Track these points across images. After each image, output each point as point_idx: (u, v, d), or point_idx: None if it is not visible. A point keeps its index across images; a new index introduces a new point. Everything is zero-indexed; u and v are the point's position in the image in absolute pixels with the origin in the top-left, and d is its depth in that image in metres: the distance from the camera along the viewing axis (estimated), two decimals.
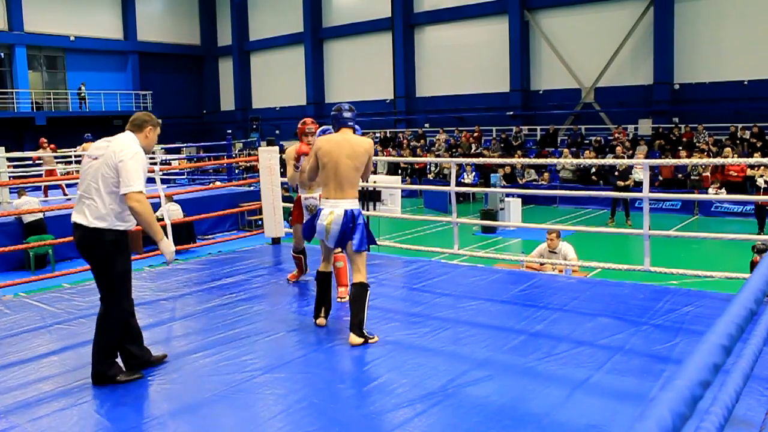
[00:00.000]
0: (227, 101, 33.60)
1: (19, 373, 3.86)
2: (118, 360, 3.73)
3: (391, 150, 23.24)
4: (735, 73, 18.34)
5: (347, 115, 4.44)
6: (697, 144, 17.19)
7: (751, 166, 13.91)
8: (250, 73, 32.32)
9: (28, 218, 10.86)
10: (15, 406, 3.42)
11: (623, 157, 15.37)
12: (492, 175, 17.51)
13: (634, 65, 20.19)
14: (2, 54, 27.35)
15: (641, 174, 5.93)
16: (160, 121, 3.93)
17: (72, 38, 28.58)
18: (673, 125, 18.95)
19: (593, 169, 16.59)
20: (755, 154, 14.97)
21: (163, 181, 8.57)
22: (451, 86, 24.30)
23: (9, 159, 14.49)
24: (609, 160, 8.55)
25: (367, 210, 8.78)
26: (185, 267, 6.82)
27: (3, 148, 13.53)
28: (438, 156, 20.70)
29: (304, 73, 29.01)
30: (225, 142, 19.68)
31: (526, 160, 8.16)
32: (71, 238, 3.91)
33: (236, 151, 25.06)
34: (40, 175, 14.58)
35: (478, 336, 4.28)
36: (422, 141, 23.16)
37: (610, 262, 6.18)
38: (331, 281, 4.68)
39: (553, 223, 13.16)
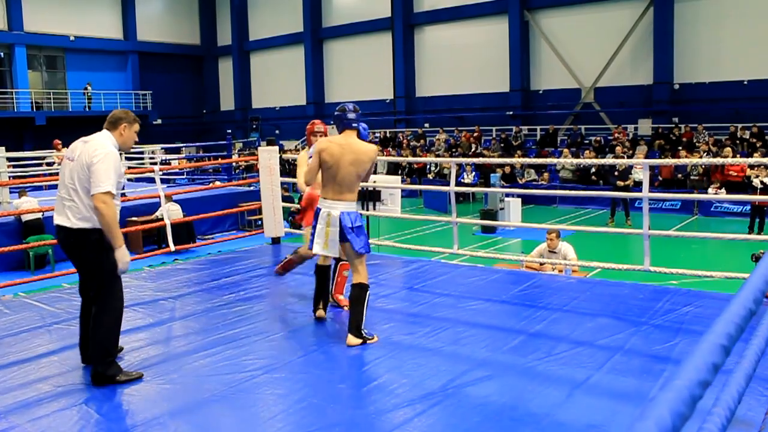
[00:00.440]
0: (227, 101, 33.60)
1: (19, 373, 3.86)
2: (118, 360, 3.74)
3: (391, 150, 23.24)
4: (735, 73, 18.34)
5: (351, 116, 4.32)
6: (696, 144, 17.19)
7: (751, 166, 13.90)
8: (250, 73, 32.31)
9: (26, 218, 10.86)
10: (15, 406, 3.42)
11: (623, 157, 15.36)
12: (492, 175, 17.51)
13: (634, 65, 20.19)
14: (2, 54, 27.35)
15: (641, 174, 5.93)
16: (137, 118, 3.85)
17: (72, 38, 28.57)
18: (673, 125, 18.96)
19: (593, 169, 16.59)
20: (755, 154, 14.97)
21: (163, 181, 8.58)
22: (450, 86, 24.30)
23: (9, 159, 14.49)
24: (609, 160, 8.56)
25: (367, 210, 8.78)
26: (185, 267, 6.82)
27: (3, 148, 13.53)
28: (438, 156, 20.70)
29: (304, 73, 29.01)
30: (225, 142, 19.68)
31: (526, 160, 8.17)
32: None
33: (236, 151, 25.07)
34: (39, 175, 14.59)
35: (477, 336, 4.28)
36: (422, 141, 23.16)
37: (609, 262, 6.18)
38: (329, 275, 4.71)
39: (553, 223, 13.16)
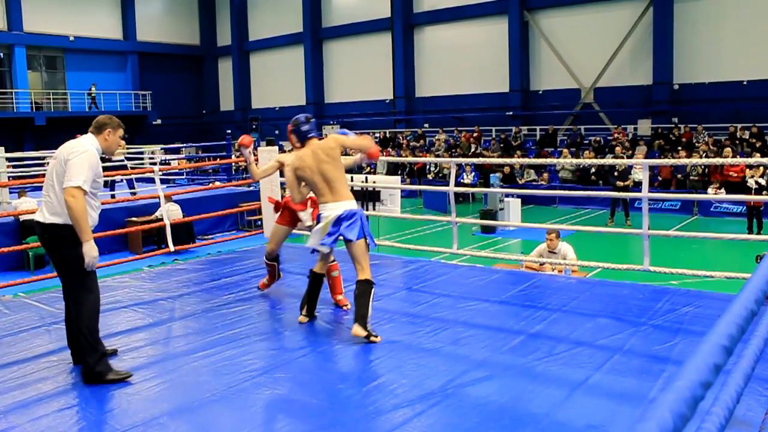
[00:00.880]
0: (227, 101, 33.60)
1: (19, 373, 3.86)
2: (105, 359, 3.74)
3: (390, 150, 23.24)
4: (734, 74, 18.35)
5: (306, 127, 4.51)
6: (696, 144, 17.20)
7: (750, 166, 13.91)
8: (250, 73, 32.31)
9: (26, 218, 10.86)
10: (15, 406, 3.41)
11: (623, 158, 15.37)
12: (491, 175, 17.52)
13: (634, 65, 20.20)
14: (2, 54, 27.34)
15: (641, 174, 5.93)
16: (121, 123, 3.90)
17: (71, 38, 28.57)
18: (673, 125, 18.97)
19: (593, 170, 16.60)
20: (755, 154, 14.98)
21: (162, 181, 8.57)
22: (450, 86, 24.30)
23: (9, 159, 14.49)
24: (608, 160, 8.57)
25: (367, 210, 8.78)
26: (185, 267, 6.81)
27: (3, 148, 13.53)
28: (437, 156, 20.70)
29: (304, 73, 29.01)
30: (224, 142, 19.68)
31: (526, 160, 8.16)
32: None
33: (236, 152, 25.03)
34: (39, 176, 14.55)
35: (477, 336, 4.28)
36: (422, 141, 23.16)
37: (609, 262, 6.17)
38: (322, 284, 4.67)
39: (553, 223, 13.16)
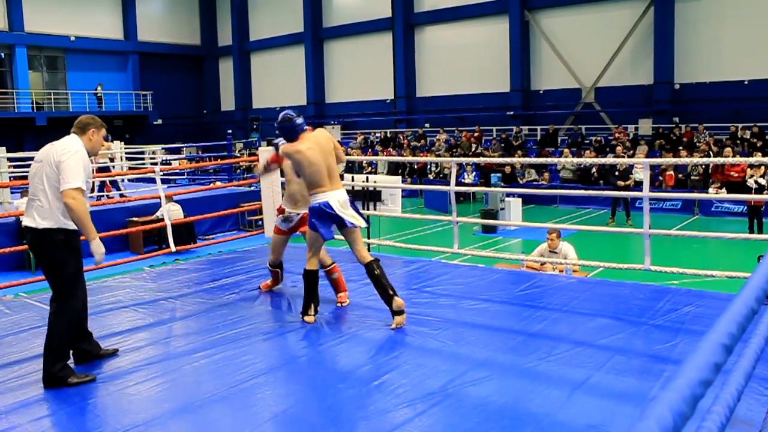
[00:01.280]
0: (227, 101, 33.61)
1: (20, 373, 3.86)
2: (70, 362, 3.73)
3: (391, 150, 23.24)
4: (735, 73, 18.33)
5: (299, 121, 4.67)
6: (697, 144, 17.19)
7: (751, 166, 13.92)
8: (250, 73, 32.33)
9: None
10: (15, 406, 3.41)
11: (623, 157, 15.36)
12: (492, 174, 17.52)
13: (634, 65, 20.19)
14: (2, 54, 27.37)
15: (642, 174, 5.92)
16: (103, 123, 3.90)
17: (72, 38, 28.59)
18: (674, 125, 18.96)
19: (594, 169, 16.59)
20: (756, 154, 14.97)
21: (163, 181, 8.57)
22: (451, 86, 24.30)
23: (10, 159, 14.48)
24: (609, 160, 8.57)
25: (367, 210, 8.78)
26: (185, 267, 6.82)
27: (4, 148, 13.53)
28: (438, 156, 20.70)
29: (304, 73, 29.02)
30: (225, 143, 19.69)
31: (527, 160, 8.16)
32: None
33: (236, 151, 25.07)
34: None
35: (478, 336, 4.27)
36: (422, 141, 23.16)
37: (610, 262, 6.17)
38: (319, 278, 4.75)
39: (554, 222, 13.15)
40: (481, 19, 23.29)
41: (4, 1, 26.56)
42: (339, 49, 28.23)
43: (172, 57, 32.51)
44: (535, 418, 3.09)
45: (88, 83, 28.97)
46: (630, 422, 2.93)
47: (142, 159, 18.75)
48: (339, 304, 5.08)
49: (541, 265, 7.30)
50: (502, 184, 17.16)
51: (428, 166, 20.30)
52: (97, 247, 3.65)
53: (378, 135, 25.07)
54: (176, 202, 11.78)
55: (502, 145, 20.59)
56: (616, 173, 14.13)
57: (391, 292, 4.48)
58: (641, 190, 5.78)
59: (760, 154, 15.15)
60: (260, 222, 11.29)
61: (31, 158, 15.91)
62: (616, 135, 18.82)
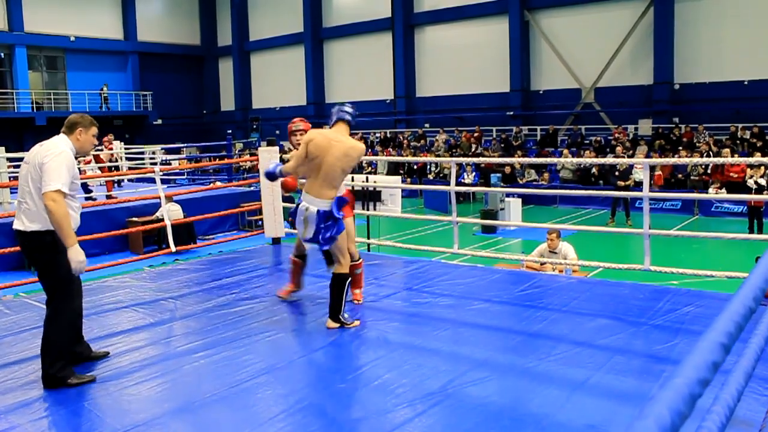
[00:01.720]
0: (227, 101, 33.61)
1: (20, 373, 3.86)
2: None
3: (391, 150, 23.24)
4: (735, 73, 18.34)
5: (348, 108, 4.43)
6: (697, 144, 17.19)
7: (751, 166, 13.93)
8: (250, 73, 32.33)
9: None
10: (15, 406, 3.42)
11: (623, 157, 15.37)
12: (492, 174, 17.52)
13: (634, 65, 20.20)
14: (2, 54, 27.37)
15: (641, 174, 5.93)
16: (93, 122, 3.80)
17: (72, 38, 28.60)
18: (673, 125, 18.96)
19: (593, 170, 16.59)
20: (756, 154, 14.98)
21: (163, 182, 8.57)
22: (451, 86, 24.30)
23: (9, 159, 14.49)
24: (609, 160, 8.57)
25: (368, 210, 8.78)
26: (185, 267, 6.82)
27: (3, 148, 13.53)
28: (438, 156, 20.70)
29: (304, 73, 29.03)
30: (225, 143, 19.69)
31: (526, 160, 8.15)
32: None
33: (236, 152, 25.08)
34: None
35: (478, 336, 4.28)
36: (422, 141, 23.17)
37: (610, 262, 6.17)
38: (306, 265, 4.88)
39: (554, 223, 13.16)
40: (481, 19, 23.30)
41: (4, 1, 26.55)
42: (339, 49, 28.23)
43: (171, 57, 32.51)
44: (535, 418, 3.09)
45: (87, 83, 28.98)
46: (630, 422, 2.94)
47: (142, 159, 18.75)
48: (355, 301, 5.05)
49: (541, 265, 7.30)
50: (502, 184, 17.17)
51: (428, 166, 20.30)
52: (75, 255, 3.48)
53: (378, 135, 25.07)
54: (176, 202, 11.78)
55: (502, 145, 20.60)
56: (616, 173, 14.14)
57: (332, 310, 4.43)
58: (641, 190, 5.78)
59: (759, 154, 15.16)
60: (260, 222, 11.29)
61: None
62: (616, 135, 18.82)
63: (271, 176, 4.69)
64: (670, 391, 1.00)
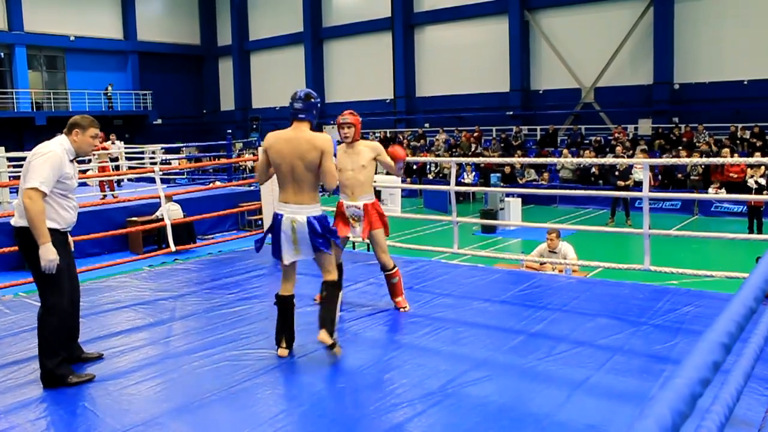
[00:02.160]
0: (227, 101, 33.61)
1: (19, 373, 3.86)
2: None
3: None
4: (735, 73, 18.34)
5: (298, 105, 3.88)
6: (697, 144, 17.19)
7: (751, 166, 13.93)
8: (250, 73, 32.32)
9: None
10: (15, 406, 3.41)
11: (623, 157, 15.37)
12: (492, 174, 17.53)
13: (634, 65, 20.20)
14: (2, 54, 27.36)
15: (641, 174, 5.93)
16: (94, 123, 3.78)
17: (72, 38, 28.59)
18: (673, 125, 18.96)
19: (593, 169, 16.59)
20: (755, 154, 14.98)
21: (163, 181, 8.57)
22: (451, 86, 24.30)
23: (9, 159, 14.49)
24: (609, 160, 8.57)
25: None
26: (185, 267, 6.82)
27: (3, 148, 13.53)
28: (438, 156, 20.70)
29: (304, 73, 29.02)
30: (225, 142, 19.69)
31: (526, 160, 8.16)
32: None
33: (236, 151, 25.08)
34: None
35: (478, 336, 4.28)
36: (422, 141, 23.17)
37: (610, 262, 6.17)
38: (294, 306, 4.06)
39: (553, 222, 13.16)
40: (481, 19, 23.29)
41: (4, 0, 26.55)
42: (339, 49, 28.23)
43: (171, 57, 32.50)
44: (535, 418, 3.09)
45: (87, 83, 28.97)
46: (630, 422, 2.93)
47: (142, 159, 18.75)
48: (401, 309, 4.88)
49: (541, 265, 7.30)
50: (502, 184, 17.17)
51: (428, 166, 20.30)
52: (45, 253, 3.50)
53: (378, 135, 25.07)
54: (176, 201, 11.78)
55: (502, 145, 20.59)
56: (616, 173, 14.14)
57: (327, 318, 3.86)
58: (641, 190, 5.78)
59: (759, 154, 15.16)
60: (260, 222, 11.29)
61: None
62: (616, 135, 18.82)
63: None
64: (671, 391, 1.00)
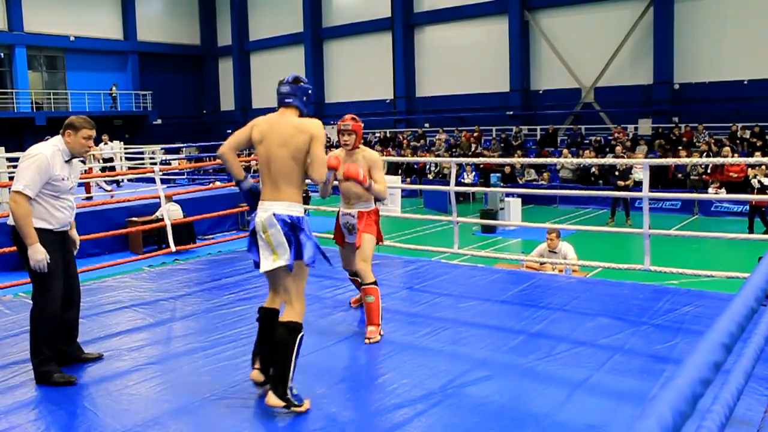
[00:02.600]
0: (227, 101, 33.60)
1: (20, 373, 3.85)
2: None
3: (391, 150, 23.24)
4: (735, 73, 18.34)
5: (284, 89, 3.45)
6: (697, 144, 17.19)
7: (751, 166, 13.92)
8: (250, 73, 32.32)
9: None
10: (15, 406, 3.41)
11: (623, 157, 15.36)
12: (492, 174, 17.53)
13: (634, 65, 20.20)
14: (2, 54, 27.36)
15: (641, 174, 5.93)
16: (87, 124, 3.73)
17: (72, 38, 28.59)
18: (673, 125, 18.96)
19: (593, 169, 16.59)
20: (756, 154, 14.98)
21: (163, 181, 8.58)
22: (450, 86, 24.30)
23: (9, 159, 14.48)
24: (609, 160, 8.57)
25: None
26: (185, 267, 6.81)
27: (3, 148, 13.53)
28: (438, 156, 20.70)
29: (304, 73, 29.01)
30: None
31: (526, 160, 8.17)
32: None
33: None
34: None
35: (478, 336, 4.27)
36: (422, 141, 23.17)
37: (610, 262, 6.17)
38: (276, 321, 3.38)
39: (553, 222, 13.15)
40: (481, 19, 23.29)
41: (4, 1, 26.55)
42: (339, 49, 28.23)
43: (171, 57, 32.50)
44: (535, 418, 3.09)
45: (87, 83, 28.96)
46: (630, 422, 2.94)
47: (142, 159, 18.74)
48: (366, 340, 4.22)
49: (541, 265, 7.30)
50: (502, 184, 17.17)
51: (428, 166, 20.30)
52: (33, 254, 3.54)
53: (377, 135, 25.07)
54: (176, 202, 11.78)
55: (502, 145, 20.59)
56: (616, 173, 14.13)
57: (276, 376, 3.14)
58: (641, 190, 5.78)
59: (759, 153, 15.16)
60: None
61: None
62: (616, 135, 18.82)
63: None
64: (672, 391, 1.00)
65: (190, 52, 33.41)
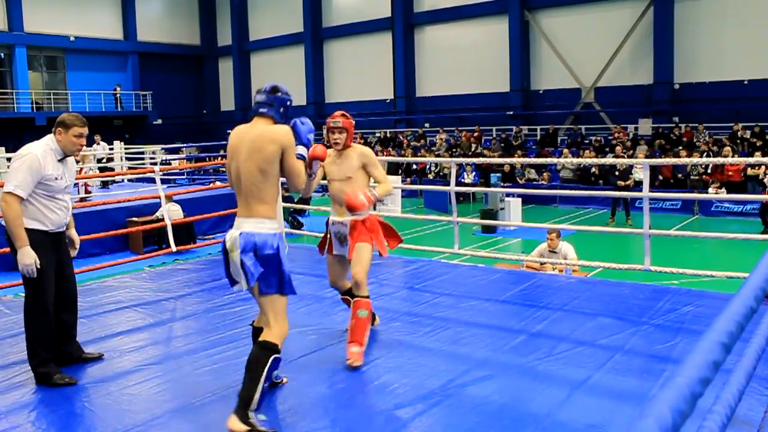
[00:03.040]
0: (227, 101, 33.61)
1: (20, 373, 3.86)
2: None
3: (391, 150, 23.24)
4: (735, 73, 18.33)
5: (260, 98, 3.14)
6: (697, 144, 17.19)
7: (751, 166, 13.92)
8: (250, 73, 32.32)
9: None
10: (15, 406, 3.41)
11: (623, 157, 15.36)
12: (492, 174, 17.53)
13: (634, 65, 20.19)
14: (2, 54, 27.36)
15: (641, 174, 5.93)
16: (78, 121, 3.66)
17: (72, 38, 28.60)
18: (673, 125, 18.96)
19: (593, 169, 16.59)
20: (756, 154, 14.98)
21: (163, 181, 8.58)
22: (451, 86, 24.30)
23: (9, 159, 14.48)
24: (609, 160, 8.57)
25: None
26: (185, 267, 6.81)
27: (3, 148, 13.54)
28: (438, 156, 20.70)
29: (304, 73, 29.02)
30: (225, 142, 19.65)
31: (526, 160, 8.16)
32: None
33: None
34: None
35: (478, 336, 4.27)
36: (422, 141, 23.16)
37: (610, 262, 6.17)
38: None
39: (553, 222, 13.15)
40: (481, 19, 23.29)
41: (4, 1, 26.55)
42: (339, 49, 28.23)
43: (171, 57, 32.51)
44: (535, 418, 3.09)
45: (87, 83, 28.96)
46: (630, 422, 2.94)
47: (142, 159, 18.74)
48: (348, 362, 3.81)
49: (541, 265, 7.30)
50: (502, 184, 17.17)
51: (428, 166, 20.30)
52: (22, 257, 3.50)
53: (378, 135, 25.07)
54: (176, 202, 11.78)
55: (502, 145, 20.59)
56: (616, 173, 14.13)
57: (242, 398, 2.93)
58: (641, 190, 5.78)
59: (759, 153, 15.15)
60: None
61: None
62: (616, 135, 18.82)
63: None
64: (672, 390, 1.00)
65: (190, 52, 33.41)
